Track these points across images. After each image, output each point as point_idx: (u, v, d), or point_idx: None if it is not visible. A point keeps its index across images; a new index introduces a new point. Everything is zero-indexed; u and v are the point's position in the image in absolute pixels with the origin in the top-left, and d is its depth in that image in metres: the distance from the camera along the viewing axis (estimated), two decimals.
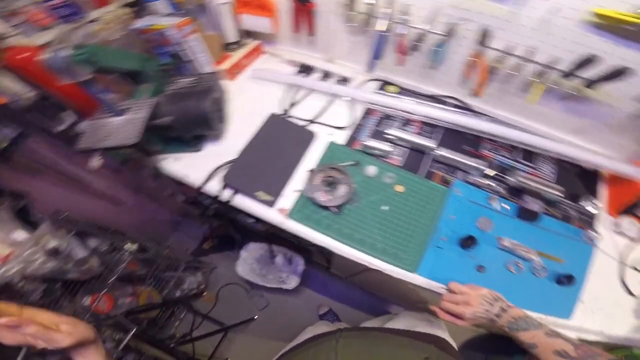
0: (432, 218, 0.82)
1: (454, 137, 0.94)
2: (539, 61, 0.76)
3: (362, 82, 1.07)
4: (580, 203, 0.87)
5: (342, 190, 0.82)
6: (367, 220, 0.82)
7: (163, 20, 0.85)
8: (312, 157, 0.91)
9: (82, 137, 0.78)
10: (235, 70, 1.09)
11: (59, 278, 1.02)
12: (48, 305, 1.05)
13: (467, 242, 0.76)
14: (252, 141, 0.86)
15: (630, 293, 0.76)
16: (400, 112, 0.95)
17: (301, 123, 0.97)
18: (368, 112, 1.00)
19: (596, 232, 0.81)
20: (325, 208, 0.82)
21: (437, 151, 0.87)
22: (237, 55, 1.08)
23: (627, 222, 0.84)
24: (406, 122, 0.97)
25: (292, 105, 1.02)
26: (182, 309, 1.71)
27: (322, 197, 0.81)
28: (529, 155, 0.94)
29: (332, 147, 0.92)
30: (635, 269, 0.79)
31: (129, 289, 1.35)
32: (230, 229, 1.77)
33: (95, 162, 1.07)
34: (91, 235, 1.17)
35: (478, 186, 0.87)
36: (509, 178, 0.87)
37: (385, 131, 0.92)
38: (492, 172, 0.88)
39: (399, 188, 0.85)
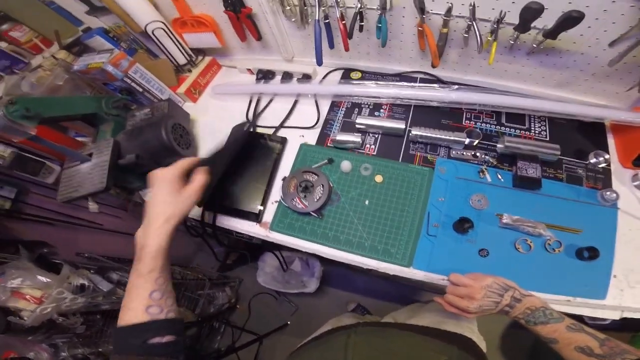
0: (419, 204, 0.77)
1: (429, 114, 0.88)
2: (484, 17, 0.68)
3: (324, 75, 1.02)
4: (588, 160, 0.77)
5: (318, 192, 0.79)
6: (350, 219, 0.78)
7: (97, 57, 0.83)
8: (285, 164, 0.87)
9: (59, 188, 0.80)
10: (194, 91, 1.07)
11: (94, 310, 1.08)
12: (95, 335, 1.14)
13: (462, 225, 0.69)
14: (215, 156, 0.77)
15: None
16: (366, 98, 0.90)
17: (268, 131, 0.94)
18: (335, 105, 0.95)
19: (614, 190, 0.70)
20: (307, 214, 0.79)
21: (411, 131, 0.81)
22: (192, 76, 1.06)
23: None
24: (374, 107, 0.92)
25: (257, 114, 0.99)
26: (220, 325, 1.78)
27: (299, 204, 0.78)
28: (516, 117, 0.85)
29: (304, 149, 0.88)
30: None
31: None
32: (239, 245, 1.80)
33: (91, 206, 1.12)
34: (111, 269, 1.23)
35: (464, 160, 0.81)
36: (498, 145, 0.79)
37: (355, 121, 0.87)
38: (475, 141, 0.81)
39: (378, 178, 0.80)
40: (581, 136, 0.82)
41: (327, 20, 0.81)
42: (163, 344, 0.46)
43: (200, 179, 0.59)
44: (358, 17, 0.77)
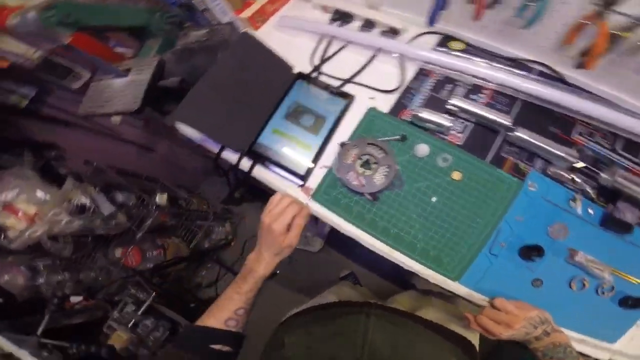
0: (493, 218, 0.65)
1: (537, 114, 0.70)
2: None
3: (415, 35, 0.83)
4: None
5: (381, 173, 0.65)
6: (408, 212, 0.66)
7: None
8: (345, 127, 0.73)
9: (84, 99, 0.69)
10: (259, 19, 0.91)
11: (87, 234, 1.02)
12: (82, 258, 1.09)
13: (531, 253, 0.62)
14: (214, 70, 0.66)
15: None
16: (468, 76, 0.72)
17: (333, 82, 0.78)
18: (423, 73, 0.77)
19: None
20: (359, 193, 0.67)
21: (515, 132, 0.65)
22: (260, 1, 0.88)
23: None
24: (473, 89, 0.74)
25: (324, 59, 0.82)
26: (209, 260, 1.74)
27: (355, 181, 0.66)
28: (633, 146, 0.69)
29: (372, 115, 0.73)
30: None
31: (157, 242, 1.38)
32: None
33: (114, 119, 1.00)
34: (118, 188, 1.14)
35: (560, 181, 0.67)
36: (603, 175, 0.65)
37: (447, 99, 0.71)
38: (581, 164, 0.67)
39: (456, 175, 0.66)
40: None
41: None
42: (221, 353, 0.52)
43: (300, 224, 0.59)
44: None
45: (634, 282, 0.63)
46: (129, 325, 1.08)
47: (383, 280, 1.70)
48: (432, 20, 0.67)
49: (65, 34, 0.56)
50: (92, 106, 0.67)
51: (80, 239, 1.06)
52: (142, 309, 1.07)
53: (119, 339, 1.04)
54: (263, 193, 0.69)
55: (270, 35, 0.91)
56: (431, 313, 0.77)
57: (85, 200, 0.97)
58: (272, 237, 0.57)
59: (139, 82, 0.66)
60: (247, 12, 0.88)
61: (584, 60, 0.62)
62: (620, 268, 0.63)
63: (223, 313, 0.54)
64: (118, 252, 1.21)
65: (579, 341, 0.63)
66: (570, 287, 0.63)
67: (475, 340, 0.67)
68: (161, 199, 1.23)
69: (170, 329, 1.18)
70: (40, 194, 0.85)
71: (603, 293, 0.63)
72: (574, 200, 0.65)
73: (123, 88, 0.67)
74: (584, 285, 0.63)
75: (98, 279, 1.17)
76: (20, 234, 0.81)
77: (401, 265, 0.67)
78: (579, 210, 0.65)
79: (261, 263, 0.58)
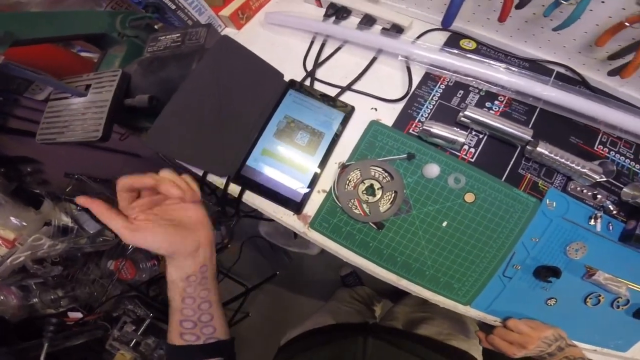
0: (508, 240, 0.60)
1: (559, 123, 0.63)
2: None
3: (422, 32, 0.74)
4: None
5: (387, 199, 0.59)
6: (416, 239, 0.60)
7: None
8: (345, 144, 0.65)
9: (41, 122, 0.59)
10: (242, 15, 0.80)
11: (75, 253, 0.97)
12: (73, 275, 1.06)
13: (547, 274, 0.58)
14: (189, 84, 0.56)
15: None
16: (483, 82, 0.64)
17: (329, 90, 0.70)
18: (430, 78, 0.69)
19: None
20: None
21: (537, 147, 0.58)
22: None
23: None
24: (487, 96, 0.66)
25: (318, 63, 0.73)
26: None
27: (357, 209, 0.59)
28: None
29: (375, 129, 0.65)
30: None
31: (151, 252, 1.32)
32: None
33: None
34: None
35: (580, 198, 0.61)
36: (626, 190, 0.60)
37: (458, 109, 0.63)
38: (602, 178, 0.61)
39: (469, 197, 0.60)
40: None
41: None
42: None
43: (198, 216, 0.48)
44: None
45: None
46: (131, 345, 1.05)
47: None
48: (447, 22, 0.58)
49: None
50: (51, 133, 0.57)
51: (69, 256, 1.01)
52: (142, 328, 1.04)
53: (122, 358, 1.04)
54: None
55: (257, 35, 0.81)
56: (433, 326, 0.76)
57: (66, 219, 0.91)
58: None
59: (100, 102, 0.55)
60: (229, 9, 0.77)
61: (624, 71, 0.55)
62: (635, 281, 0.61)
63: (174, 331, 0.47)
64: (111, 265, 1.17)
65: (590, 351, 0.63)
66: (585, 303, 0.61)
67: (478, 353, 0.68)
68: None
69: None
70: (14, 222, 0.78)
71: (618, 307, 0.61)
72: (595, 217, 0.60)
73: (83, 110, 0.56)
74: (599, 301, 0.61)
75: (94, 294, 1.13)
76: (2, 260, 0.76)
77: (409, 292, 0.63)
78: (599, 228, 0.60)
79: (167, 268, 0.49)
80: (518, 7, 0.56)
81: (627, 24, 0.51)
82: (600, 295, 0.60)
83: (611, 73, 0.59)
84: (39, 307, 0.93)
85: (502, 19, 0.58)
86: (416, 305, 0.94)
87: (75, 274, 1.07)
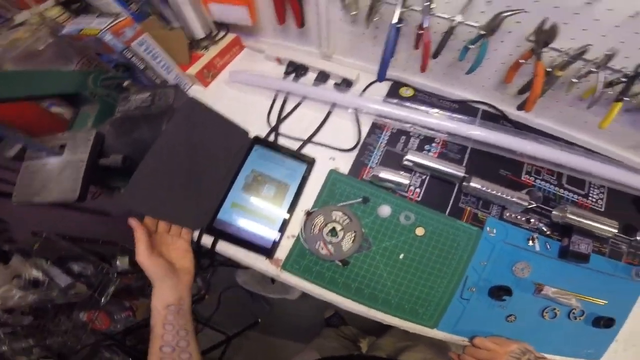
0: (459, 266, 0.67)
1: (488, 159, 0.74)
2: (617, 67, 0.55)
3: (366, 85, 0.85)
4: (634, 237, 0.71)
5: (348, 239, 0.66)
6: (379, 271, 0.67)
7: (96, 22, 0.62)
8: (309, 192, 0.72)
9: (17, 183, 0.62)
10: (208, 73, 0.87)
11: (46, 306, 0.97)
12: (44, 325, 1.03)
13: (500, 293, 0.64)
14: (159, 145, 0.59)
15: None
16: (419, 127, 0.74)
17: (292, 144, 0.78)
18: (376, 127, 0.79)
19: None
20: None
21: (470, 183, 0.68)
22: (209, 55, 0.85)
23: None
24: (425, 140, 0.76)
25: (281, 119, 0.81)
26: None
27: (323, 250, 0.65)
28: (577, 180, 0.75)
29: (334, 177, 0.73)
30: None
31: (125, 304, 1.32)
32: None
33: None
34: (73, 259, 1.07)
35: (516, 224, 0.70)
36: (555, 212, 0.70)
37: (402, 153, 0.73)
38: (532, 204, 0.70)
39: (419, 231, 0.68)
40: (635, 211, 0.74)
41: (399, 25, 0.63)
42: None
43: (138, 238, 0.59)
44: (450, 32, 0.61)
45: (600, 303, 0.68)
46: None
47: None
48: (382, 75, 0.69)
49: None
50: (26, 193, 0.59)
51: (39, 306, 0.99)
52: None
53: None
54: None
55: (222, 92, 0.87)
56: (417, 352, 0.80)
57: (37, 273, 0.91)
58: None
59: (75, 163, 0.58)
60: (195, 68, 0.83)
61: (526, 104, 0.64)
62: (585, 293, 0.67)
63: (154, 358, 0.53)
64: (83, 316, 1.14)
65: None
66: (543, 317, 0.67)
67: None
68: (122, 262, 1.16)
69: None
70: None
71: (575, 318, 0.67)
72: (532, 239, 0.69)
73: (59, 170, 0.58)
74: (555, 314, 0.67)
75: (67, 344, 1.09)
76: None
77: (380, 322, 0.68)
78: (537, 248, 0.69)
79: (152, 297, 0.58)
80: (434, 56, 0.67)
81: (521, 60, 0.61)
82: (555, 309, 0.66)
83: (518, 108, 0.69)
84: (9, 356, 0.92)
85: (422, 69, 0.68)
86: (400, 335, 0.96)
87: (46, 325, 1.04)
